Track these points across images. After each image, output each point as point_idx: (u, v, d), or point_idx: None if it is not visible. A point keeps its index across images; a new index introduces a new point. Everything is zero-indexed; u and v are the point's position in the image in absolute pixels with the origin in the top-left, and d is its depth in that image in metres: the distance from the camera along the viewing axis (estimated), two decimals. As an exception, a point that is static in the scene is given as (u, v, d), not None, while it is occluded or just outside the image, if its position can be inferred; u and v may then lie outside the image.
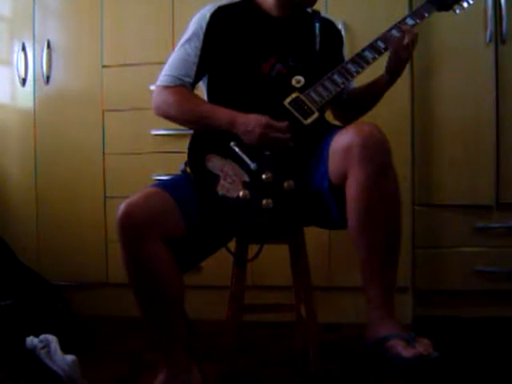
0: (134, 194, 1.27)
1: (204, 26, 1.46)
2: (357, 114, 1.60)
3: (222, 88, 1.50)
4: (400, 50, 1.40)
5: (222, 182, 1.33)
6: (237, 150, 1.37)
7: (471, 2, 1.54)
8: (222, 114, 1.39)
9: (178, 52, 1.49)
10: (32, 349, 1.41)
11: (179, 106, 1.44)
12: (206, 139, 1.41)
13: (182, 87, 1.46)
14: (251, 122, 1.36)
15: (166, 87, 1.47)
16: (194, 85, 1.50)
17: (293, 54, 1.47)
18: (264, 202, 1.31)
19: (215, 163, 1.36)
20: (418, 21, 1.47)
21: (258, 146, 1.37)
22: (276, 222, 1.37)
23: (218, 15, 1.47)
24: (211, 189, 1.32)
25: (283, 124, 1.36)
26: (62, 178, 2.34)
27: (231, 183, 1.33)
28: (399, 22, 1.47)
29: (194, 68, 1.47)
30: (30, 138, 2.36)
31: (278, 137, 1.35)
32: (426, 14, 1.49)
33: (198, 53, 1.46)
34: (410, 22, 1.46)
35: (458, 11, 1.55)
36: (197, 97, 1.48)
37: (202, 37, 1.46)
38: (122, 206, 1.24)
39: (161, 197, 1.29)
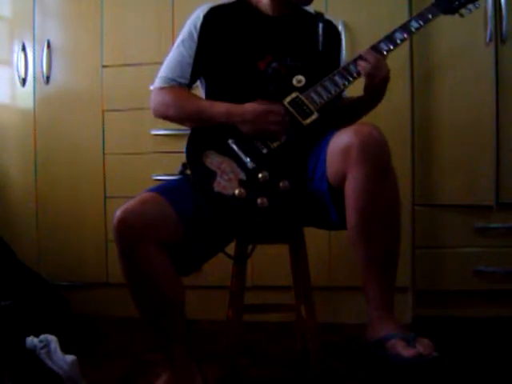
0: (129, 200, 1.27)
1: (198, 26, 1.47)
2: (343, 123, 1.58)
3: (220, 88, 1.49)
4: (371, 70, 1.37)
5: (218, 179, 1.33)
6: (235, 147, 1.37)
7: (478, 6, 1.51)
8: (218, 107, 1.39)
9: (173, 54, 1.49)
10: (32, 349, 1.41)
11: (176, 105, 1.44)
12: (205, 135, 1.40)
13: (177, 87, 1.46)
14: (249, 111, 1.36)
15: (162, 88, 1.47)
16: (189, 86, 1.50)
17: (291, 53, 1.46)
18: (259, 200, 1.31)
19: (213, 160, 1.36)
20: (421, 23, 1.44)
21: (257, 135, 1.36)
22: (271, 222, 1.37)
23: (211, 15, 1.47)
24: (208, 185, 1.32)
25: (278, 107, 1.36)
26: (62, 178, 2.34)
27: (228, 181, 1.33)
28: (404, 24, 1.44)
29: (189, 69, 1.47)
30: (30, 138, 2.36)
31: (279, 120, 1.35)
32: (430, 16, 1.45)
33: (193, 54, 1.46)
34: (414, 24, 1.44)
35: (467, 13, 1.50)
36: (192, 94, 1.48)
37: (196, 38, 1.46)
38: (118, 213, 1.23)
39: (156, 202, 1.28)
